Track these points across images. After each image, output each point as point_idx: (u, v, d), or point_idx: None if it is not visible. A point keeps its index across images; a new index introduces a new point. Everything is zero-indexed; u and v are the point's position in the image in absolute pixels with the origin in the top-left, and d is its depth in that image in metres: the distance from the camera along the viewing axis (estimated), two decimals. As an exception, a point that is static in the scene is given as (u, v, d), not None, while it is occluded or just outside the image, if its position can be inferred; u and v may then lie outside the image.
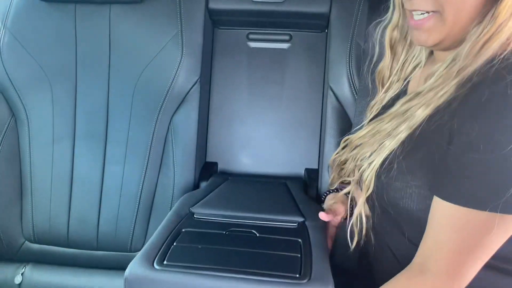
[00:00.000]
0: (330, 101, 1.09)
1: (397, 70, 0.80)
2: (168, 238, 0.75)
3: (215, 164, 1.24)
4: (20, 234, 1.18)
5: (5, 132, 1.16)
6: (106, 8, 1.13)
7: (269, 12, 1.15)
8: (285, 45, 1.23)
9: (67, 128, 1.16)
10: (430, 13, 0.62)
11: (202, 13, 1.13)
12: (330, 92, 1.09)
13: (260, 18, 1.18)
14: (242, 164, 1.23)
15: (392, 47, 0.79)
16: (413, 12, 0.64)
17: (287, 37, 1.23)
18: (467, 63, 0.58)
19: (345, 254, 0.76)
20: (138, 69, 1.12)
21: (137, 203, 1.14)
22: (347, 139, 0.80)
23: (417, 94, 0.65)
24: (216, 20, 1.21)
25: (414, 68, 0.79)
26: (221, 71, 1.24)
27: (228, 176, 1.16)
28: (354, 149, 0.75)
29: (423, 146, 0.62)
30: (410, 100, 0.66)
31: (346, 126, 1.08)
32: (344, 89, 1.07)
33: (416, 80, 0.76)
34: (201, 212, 0.87)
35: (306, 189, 1.11)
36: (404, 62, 0.79)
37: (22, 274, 1.18)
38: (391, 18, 0.77)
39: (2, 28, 1.15)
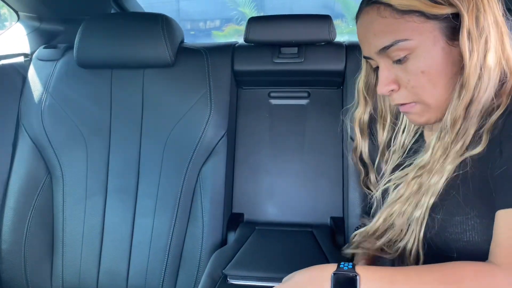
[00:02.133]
0: (351, 149, 1.15)
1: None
2: None
3: (241, 214, 1.27)
4: (50, 290, 1.19)
5: (41, 188, 1.22)
6: (140, 72, 1.24)
7: (288, 71, 1.25)
8: (304, 101, 1.32)
9: (100, 184, 1.21)
10: (412, 103, 0.67)
11: (228, 74, 1.24)
12: (351, 141, 1.15)
13: (280, 77, 1.29)
14: (267, 214, 1.26)
15: (366, 96, 0.81)
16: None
17: (305, 94, 1.32)
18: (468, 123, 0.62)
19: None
20: (169, 125, 1.20)
21: (167, 255, 1.16)
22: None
23: (422, 167, 0.67)
24: (240, 81, 1.31)
25: None
26: (245, 126, 1.32)
27: (255, 226, 1.19)
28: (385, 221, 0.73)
29: (468, 181, 0.63)
30: (418, 176, 0.68)
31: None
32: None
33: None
34: (234, 274, 0.90)
35: (333, 237, 1.14)
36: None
37: (50, 332, 1.17)
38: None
39: (44, 93, 1.25)
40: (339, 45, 1.26)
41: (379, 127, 0.84)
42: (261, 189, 1.28)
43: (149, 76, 1.24)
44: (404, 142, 0.82)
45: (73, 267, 1.18)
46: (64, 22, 1.47)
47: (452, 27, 0.62)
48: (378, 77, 0.68)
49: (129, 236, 1.19)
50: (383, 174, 0.83)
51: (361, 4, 0.69)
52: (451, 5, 0.61)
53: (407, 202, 0.68)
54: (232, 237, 1.15)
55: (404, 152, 0.81)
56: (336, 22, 1.29)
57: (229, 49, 1.28)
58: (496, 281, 0.54)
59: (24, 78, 1.29)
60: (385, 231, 0.72)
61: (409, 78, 0.65)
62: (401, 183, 0.71)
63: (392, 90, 0.68)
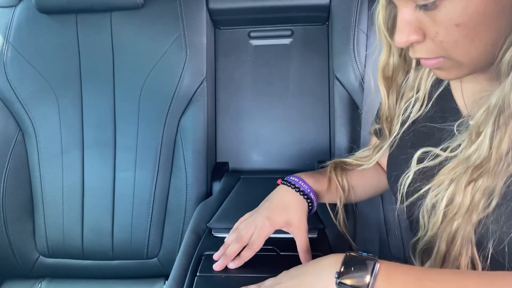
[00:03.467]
0: (337, 91, 1.09)
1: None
2: (190, 267, 0.72)
3: (226, 163, 1.23)
4: (34, 249, 1.17)
5: (13, 146, 1.15)
6: (107, 15, 1.14)
7: (269, 8, 1.15)
8: (287, 41, 1.23)
9: (75, 138, 1.15)
10: (439, 58, 0.52)
11: (203, 13, 1.14)
12: (337, 82, 1.09)
13: (260, 15, 1.19)
14: (253, 162, 1.23)
15: (388, 36, 0.62)
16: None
17: (288, 33, 1.23)
18: None
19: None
20: (143, 73, 1.12)
21: (151, 208, 1.13)
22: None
23: (477, 168, 0.51)
24: (217, 21, 1.21)
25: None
26: (225, 71, 1.24)
27: (240, 174, 1.15)
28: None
29: None
30: (474, 180, 0.52)
31: (354, 114, 1.08)
32: (350, 77, 1.07)
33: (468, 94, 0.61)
34: (219, 227, 0.86)
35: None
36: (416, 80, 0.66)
37: (38, 289, 1.16)
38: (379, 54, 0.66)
39: (4, 43, 1.15)
40: None
41: (398, 72, 0.67)
42: (245, 136, 1.23)
43: (117, 20, 1.14)
44: (423, 85, 0.66)
45: (56, 226, 1.15)
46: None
47: None
48: (397, 22, 0.51)
49: (111, 191, 1.15)
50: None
51: None
52: None
53: (468, 214, 0.53)
54: (217, 187, 1.12)
55: (423, 104, 0.66)
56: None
57: None
58: None
59: None
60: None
61: (437, 30, 0.49)
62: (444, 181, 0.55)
63: (414, 41, 0.51)
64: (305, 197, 0.74)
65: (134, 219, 1.13)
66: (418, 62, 0.65)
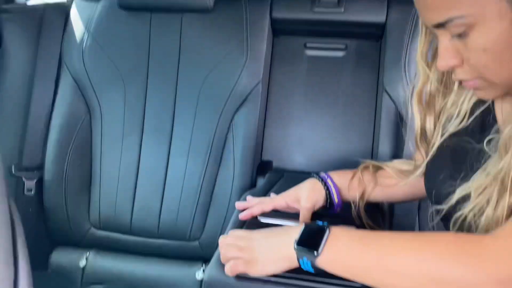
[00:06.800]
0: (385, 103, 1.15)
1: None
2: None
3: (270, 162, 1.30)
4: (87, 220, 1.27)
5: (80, 126, 1.27)
6: (179, 16, 1.25)
7: (327, 21, 1.24)
8: (340, 53, 1.31)
9: (136, 124, 1.26)
10: (476, 80, 0.59)
11: (266, 21, 1.24)
12: (385, 95, 1.15)
13: (318, 27, 1.27)
14: (295, 163, 1.29)
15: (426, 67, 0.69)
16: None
17: (343, 46, 1.31)
18: None
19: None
20: (204, 72, 1.22)
21: (198, 195, 1.21)
22: None
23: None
24: (276, 29, 1.30)
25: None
26: (279, 76, 1.32)
27: (283, 172, 1.22)
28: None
29: None
30: None
31: (399, 128, 1.13)
32: (399, 92, 1.13)
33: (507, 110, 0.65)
34: (265, 215, 0.90)
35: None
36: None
37: (86, 258, 1.26)
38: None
39: (86, 33, 1.28)
40: None
41: (437, 97, 0.73)
42: (291, 139, 1.30)
43: (187, 21, 1.25)
44: (465, 104, 0.71)
45: (110, 201, 1.25)
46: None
47: None
48: (438, 49, 0.59)
49: (163, 175, 1.24)
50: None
51: None
52: None
53: None
54: (261, 181, 1.19)
55: (464, 119, 0.71)
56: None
57: None
58: (482, 244, 0.50)
59: (67, 18, 1.32)
60: None
61: (469, 55, 0.56)
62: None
63: (453, 65, 0.59)
64: (323, 183, 0.84)
65: (182, 202, 1.22)
66: (459, 84, 0.71)
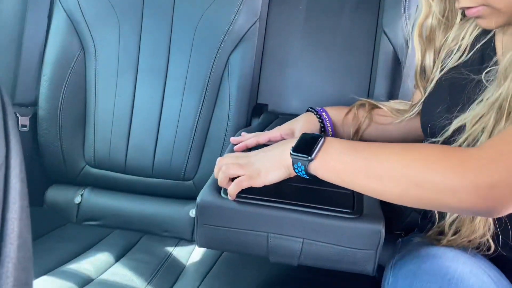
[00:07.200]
0: (383, 46, 1.13)
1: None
2: None
3: (266, 105, 1.30)
4: (82, 158, 1.28)
5: (74, 63, 1.25)
6: (174, -50, 1.21)
7: None
8: None
9: (131, 62, 1.24)
10: (480, 6, 0.60)
11: None
12: (384, 36, 1.13)
13: None
14: (291, 106, 1.29)
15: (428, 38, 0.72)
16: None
17: None
18: None
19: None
20: (201, 8, 1.19)
21: (192, 135, 1.21)
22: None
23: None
24: None
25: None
26: (277, 16, 1.30)
27: (279, 115, 1.22)
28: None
29: None
30: None
31: (397, 70, 1.13)
32: (398, 33, 1.11)
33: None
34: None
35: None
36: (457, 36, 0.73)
37: (81, 195, 1.27)
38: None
39: None
40: None
41: (438, 31, 0.74)
42: (287, 82, 1.29)
43: None
44: (466, 39, 0.71)
45: (104, 139, 1.25)
46: None
47: None
48: None
49: (157, 114, 1.23)
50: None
51: None
52: None
53: None
54: (255, 122, 1.19)
55: (464, 54, 0.71)
56: None
57: None
58: (467, 154, 0.51)
59: None
60: None
61: None
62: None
63: None
64: (317, 115, 0.84)
65: (176, 142, 1.22)
66: (461, 17, 0.71)
